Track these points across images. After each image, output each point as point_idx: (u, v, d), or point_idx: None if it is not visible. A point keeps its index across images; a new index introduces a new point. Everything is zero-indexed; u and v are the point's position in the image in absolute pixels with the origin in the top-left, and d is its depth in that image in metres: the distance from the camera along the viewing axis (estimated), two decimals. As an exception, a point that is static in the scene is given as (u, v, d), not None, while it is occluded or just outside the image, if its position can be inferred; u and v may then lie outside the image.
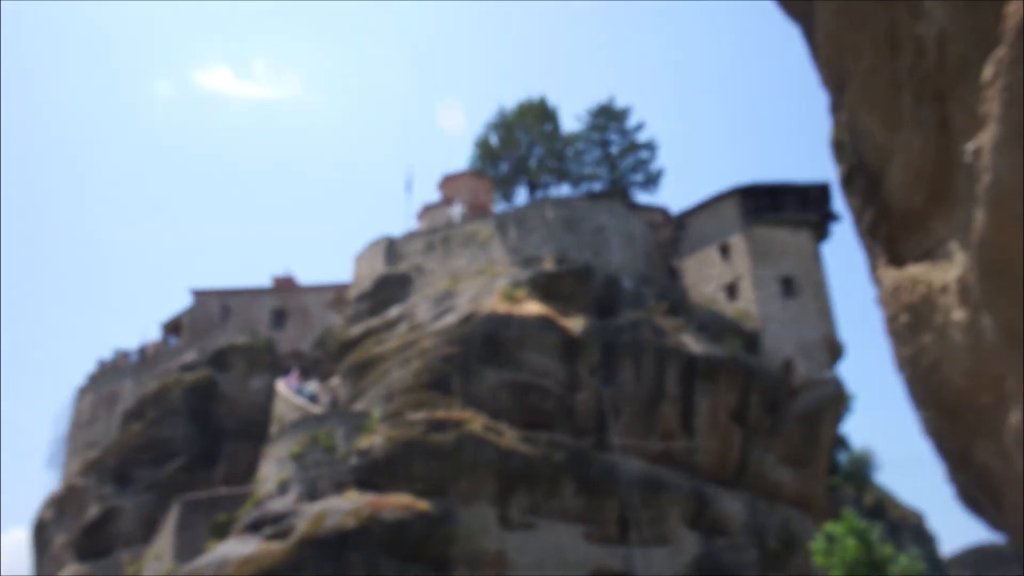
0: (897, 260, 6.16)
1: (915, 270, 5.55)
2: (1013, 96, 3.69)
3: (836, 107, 6.85)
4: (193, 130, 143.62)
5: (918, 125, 5.36)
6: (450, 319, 37.98)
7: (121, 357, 53.35)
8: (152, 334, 55.53)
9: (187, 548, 34.69)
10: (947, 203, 5.14)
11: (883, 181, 6.12)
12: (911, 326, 5.66)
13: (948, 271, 5.01)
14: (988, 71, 3.85)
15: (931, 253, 5.45)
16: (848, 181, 7.05)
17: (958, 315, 4.81)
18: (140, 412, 46.73)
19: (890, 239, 6.26)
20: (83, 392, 53.95)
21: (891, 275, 6.12)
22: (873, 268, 6.69)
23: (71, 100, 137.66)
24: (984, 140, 3.98)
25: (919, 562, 22.24)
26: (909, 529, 51.93)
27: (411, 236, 47.02)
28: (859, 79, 5.75)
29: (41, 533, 51.14)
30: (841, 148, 7.05)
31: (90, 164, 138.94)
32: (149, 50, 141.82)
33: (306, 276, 61.58)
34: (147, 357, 52.15)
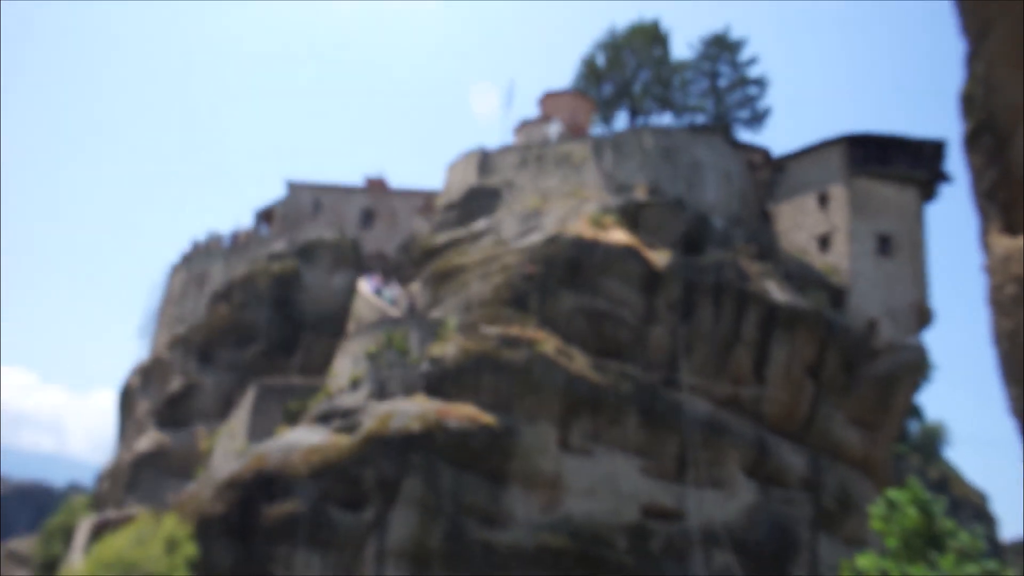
0: (1012, 228, 5.93)
1: None
2: None
3: (973, 57, 6.44)
4: (299, 26, 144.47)
5: None
6: (535, 238, 37.88)
7: (214, 240, 55.16)
8: (245, 221, 57.19)
9: (259, 429, 36.27)
10: None
11: (1011, 142, 5.83)
12: (1017, 298, 5.46)
13: None
14: None
15: None
16: (973, 139, 6.68)
17: None
18: (227, 295, 48.51)
19: (1008, 205, 6.01)
20: (176, 270, 56.20)
21: (1004, 243, 5.89)
22: (984, 234, 6.43)
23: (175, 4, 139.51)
24: None
25: (980, 541, 21.67)
26: (971, 508, 50.89)
27: (505, 150, 46.63)
28: (1006, 27, 5.42)
29: (127, 398, 54.30)
30: (971, 103, 6.65)
31: (199, 55, 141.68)
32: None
33: (398, 180, 62.11)
34: (238, 242, 53.76)
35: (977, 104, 6.31)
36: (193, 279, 53.30)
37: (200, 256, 54.65)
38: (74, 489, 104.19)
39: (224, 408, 43.21)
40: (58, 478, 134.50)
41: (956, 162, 49.20)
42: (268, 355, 44.94)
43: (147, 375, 51.99)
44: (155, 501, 42.26)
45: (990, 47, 5.87)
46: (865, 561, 21.88)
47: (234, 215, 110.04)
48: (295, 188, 53.05)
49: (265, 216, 55.05)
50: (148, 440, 46.48)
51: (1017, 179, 5.74)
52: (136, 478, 45.04)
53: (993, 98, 6.05)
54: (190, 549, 29.75)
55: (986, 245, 6.18)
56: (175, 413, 45.66)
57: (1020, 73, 5.54)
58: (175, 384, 46.99)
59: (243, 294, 47.23)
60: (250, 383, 40.13)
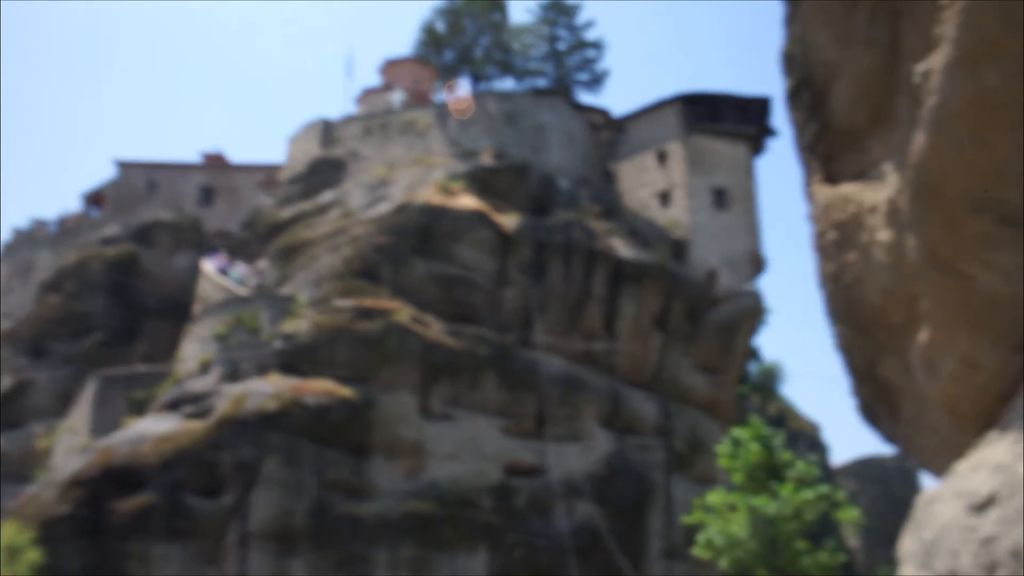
0: (832, 178, 6.26)
1: (848, 189, 5.62)
2: (970, 18, 3.66)
3: (791, 19, 6.83)
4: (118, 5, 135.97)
5: (869, 43, 5.32)
6: (383, 208, 37.60)
7: (38, 227, 51.57)
8: (72, 206, 53.73)
9: (103, 424, 34.55)
10: (886, 124, 5.15)
11: (828, 98, 6.19)
12: (838, 243, 5.79)
13: (879, 191, 5.04)
14: None
15: (865, 173, 5.51)
16: (794, 95, 7.06)
17: (883, 235, 4.94)
18: (58, 284, 45.50)
19: (827, 157, 6.34)
20: (-4, 261, 52.23)
21: (824, 192, 6.24)
22: (808, 184, 6.80)
23: None
24: (935, 62, 3.96)
25: (815, 468, 23.61)
26: (806, 439, 55.04)
27: (348, 120, 45.84)
28: None
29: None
30: (791, 61, 7.04)
31: (10, 30, 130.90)
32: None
33: (237, 156, 59.82)
34: (66, 228, 50.54)
35: (796, 62, 6.71)
36: (17, 270, 49.68)
37: (23, 245, 50.97)
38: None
39: (62, 405, 40.68)
40: None
41: (781, 117, 52.19)
42: (108, 345, 42.56)
43: (-29, 376, 48.24)
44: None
45: (804, 9, 6.22)
46: (714, 497, 23.29)
47: (59, 200, 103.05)
48: (126, 167, 50.27)
49: (94, 199, 51.87)
50: (-22, 445, 43.25)
51: (835, 132, 6.08)
52: (-33, 488, 41.89)
53: (810, 56, 6.38)
54: (34, 555, 28.12)
55: (810, 195, 6.55)
56: (7, 414, 42.58)
57: (832, 32, 5.92)
58: (5, 383, 43.83)
59: (75, 282, 44.40)
60: (90, 375, 38.00)
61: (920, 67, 4.18)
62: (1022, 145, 3.78)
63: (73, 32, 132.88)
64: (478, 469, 33.52)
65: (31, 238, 51.25)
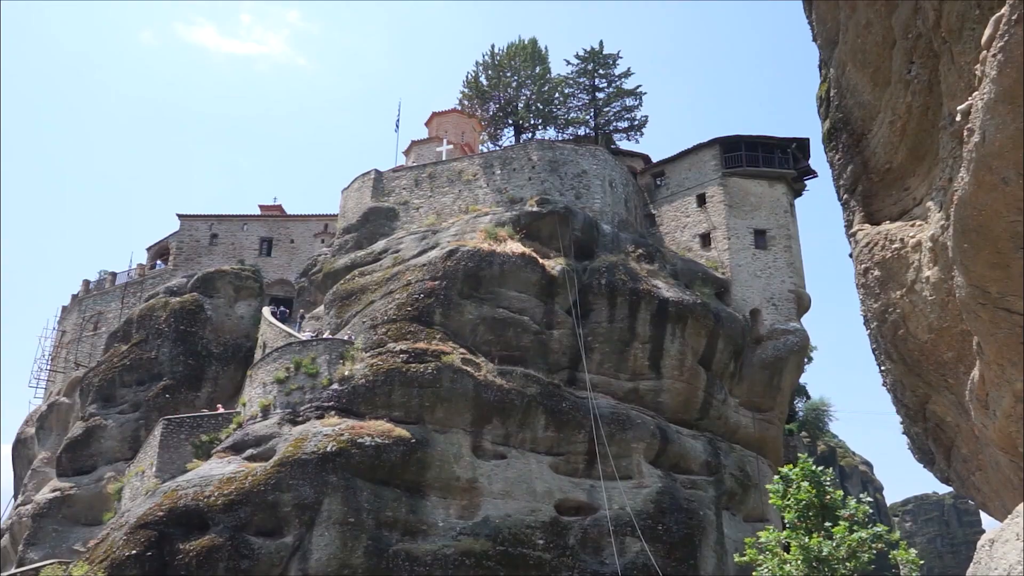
0: (873, 217, 6.05)
1: (890, 227, 5.53)
2: (1010, 57, 3.49)
3: (825, 63, 6.86)
4: (179, 75, 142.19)
5: (907, 83, 5.11)
6: (434, 254, 38.90)
7: (107, 278, 53.86)
8: (139, 258, 56.08)
9: (170, 466, 35.58)
10: (927, 163, 5.09)
11: (865, 138, 6.06)
12: (882, 281, 5.52)
13: (923, 229, 4.91)
14: (987, 31, 3.76)
15: (907, 211, 5.44)
16: (830, 137, 7.07)
17: (929, 273, 4.71)
18: (126, 333, 47.47)
19: (868, 196, 6.15)
20: (67, 312, 54.55)
21: (866, 231, 5.98)
22: (848, 224, 6.73)
23: (65, 41, 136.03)
24: (976, 101, 3.77)
25: (866, 506, 23.64)
26: (858, 476, 54.37)
27: (398, 171, 47.58)
28: (852, 34, 5.71)
29: (21, 449, 52.26)
30: (826, 104, 7.08)
31: (84, 101, 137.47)
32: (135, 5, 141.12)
33: (293, 207, 61.94)
34: (133, 280, 52.74)
35: (832, 105, 6.85)
36: (87, 320, 51.94)
37: (93, 296, 53.29)
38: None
39: (130, 449, 42.29)
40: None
41: (820, 158, 52.71)
42: (173, 391, 44.20)
43: (43, 423, 50.28)
44: (60, 552, 41.01)
45: (839, 53, 6.06)
46: (767, 536, 23.60)
47: (125, 253, 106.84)
48: (188, 220, 52.46)
49: (159, 251, 54.16)
50: (49, 489, 45.01)
51: (875, 171, 5.89)
52: (38, 530, 43.47)
53: (845, 99, 6.22)
54: (103, 597, 29.15)
55: (851, 235, 6.39)
56: (77, 459, 44.27)
57: (868, 74, 5.59)
58: (75, 429, 45.65)
59: (143, 331, 46.35)
60: (156, 420, 39.48)
61: (961, 106, 4.12)
62: (1067, 181, 3.57)
63: (139, 97, 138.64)
64: (530, 507, 34.12)
65: (100, 289, 53.51)
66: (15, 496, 51.52)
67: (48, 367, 53.22)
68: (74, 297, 54.88)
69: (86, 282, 54.60)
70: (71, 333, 52.82)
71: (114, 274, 54.04)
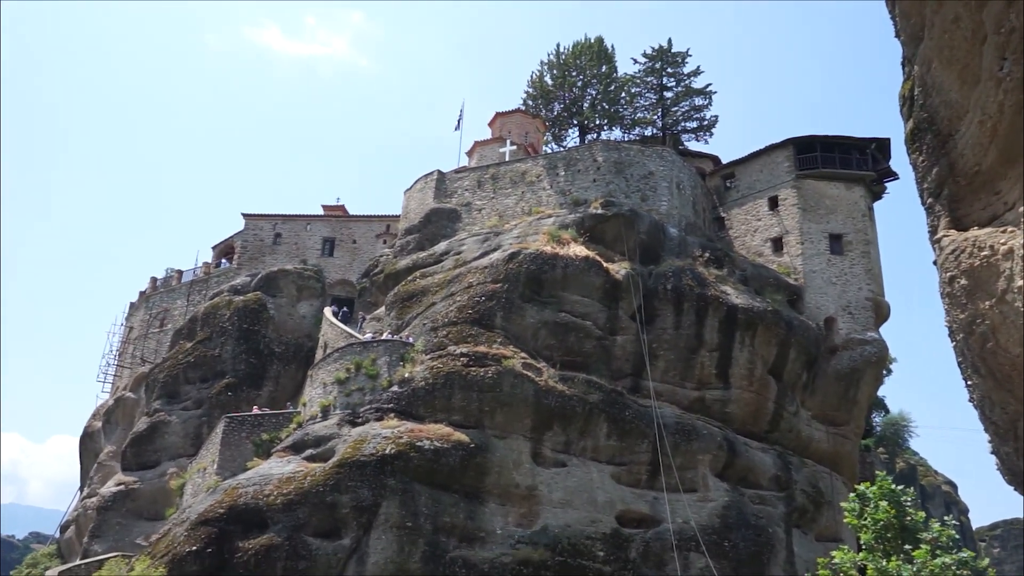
0: (960, 222, 5.78)
1: (979, 233, 5.27)
2: None
3: (909, 60, 6.42)
4: (245, 77, 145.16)
5: (998, 81, 4.96)
6: (496, 256, 38.28)
7: (174, 276, 54.71)
8: (205, 256, 56.82)
9: (231, 464, 35.84)
10: (1020, 165, 4.85)
11: (952, 139, 5.76)
12: (969, 290, 5.29)
13: (1015, 236, 4.73)
14: None
15: (998, 217, 5.20)
16: (914, 138, 6.64)
17: (1022, 282, 4.58)
18: (191, 331, 48.05)
19: (954, 200, 5.87)
20: (135, 309, 55.54)
21: (952, 237, 5.70)
22: (933, 229, 6.31)
23: (133, 44, 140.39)
24: None
25: (952, 530, 22.00)
26: (941, 497, 51.96)
27: (461, 172, 47.12)
28: (938, 30, 5.43)
29: (88, 442, 53.32)
30: (910, 103, 6.64)
31: (151, 103, 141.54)
32: (202, 7, 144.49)
33: (356, 208, 62.15)
34: (199, 278, 53.43)
35: (916, 105, 6.37)
36: (154, 317, 52.77)
37: (160, 294, 54.14)
38: (35, 539, 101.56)
39: (193, 445, 42.69)
40: (18, 529, 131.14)
41: (902, 160, 50.65)
42: (236, 388, 44.54)
43: (109, 417, 51.16)
44: (123, 545, 41.53)
45: (925, 50, 5.78)
46: (841, 557, 22.30)
47: (192, 251, 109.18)
48: (252, 219, 52.93)
49: (224, 250, 54.76)
50: (114, 483, 45.72)
51: (962, 174, 5.59)
52: (102, 523, 44.18)
53: (930, 98, 5.93)
54: (163, 591, 29.28)
55: (936, 241, 6.09)
56: (142, 453, 44.91)
57: (955, 72, 5.48)
58: (140, 424, 46.31)
59: (207, 329, 46.84)
60: (218, 418, 39.76)
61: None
62: None
63: (206, 99, 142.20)
64: (591, 517, 33.20)
65: (166, 287, 54.36)
66: (81, 488, 52.57)
67: (116, 362, 54.23)
68: (142, 294, 55.85)
69: (153, 279, 55.55)
70: (138, 329, 53.71)
71: (180, 272, 54.84)
